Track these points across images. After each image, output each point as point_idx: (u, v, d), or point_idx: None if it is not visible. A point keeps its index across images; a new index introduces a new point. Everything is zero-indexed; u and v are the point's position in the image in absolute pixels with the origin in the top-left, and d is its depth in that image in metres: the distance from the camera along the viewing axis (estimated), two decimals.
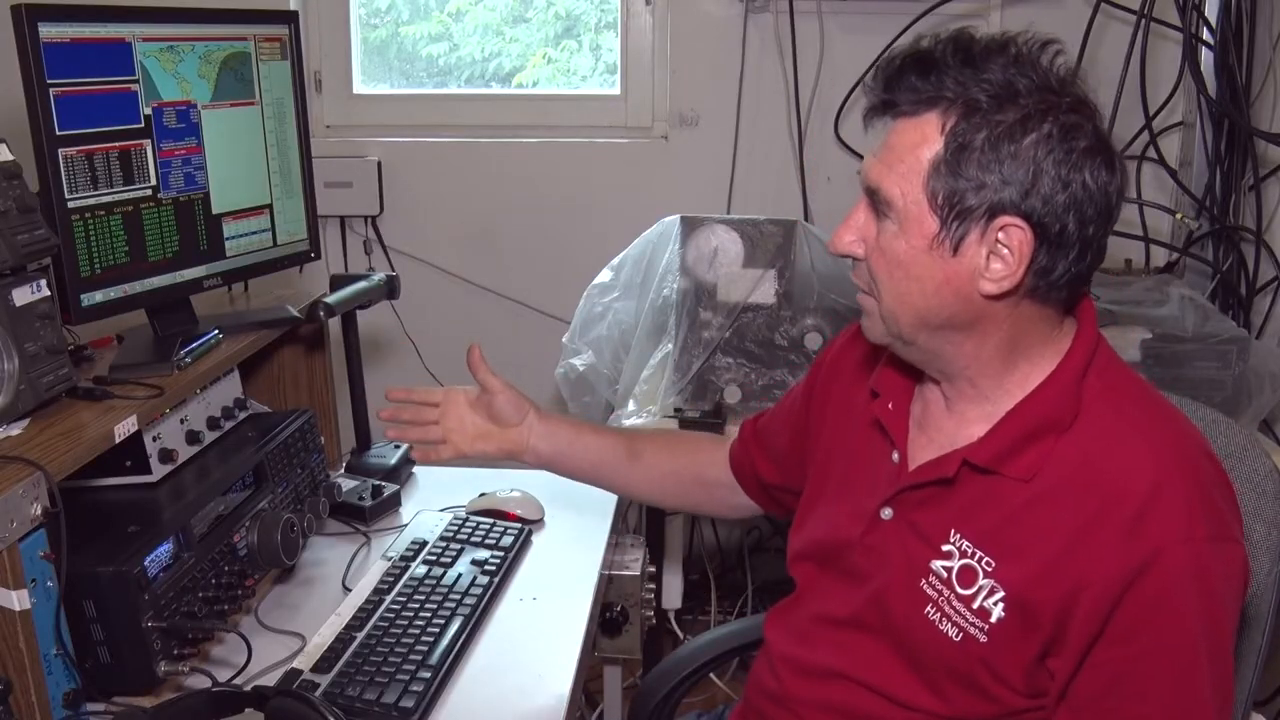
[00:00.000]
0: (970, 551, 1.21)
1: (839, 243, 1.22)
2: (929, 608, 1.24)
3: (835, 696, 1.34)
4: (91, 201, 1.60)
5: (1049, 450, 1.18)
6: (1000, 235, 1.12)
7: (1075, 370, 1.20)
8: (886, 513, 1.30)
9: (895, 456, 1.31)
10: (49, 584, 1.29)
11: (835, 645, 1.35)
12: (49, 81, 1.53)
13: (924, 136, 1.13)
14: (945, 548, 1.23)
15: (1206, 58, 2.63)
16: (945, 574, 1.22)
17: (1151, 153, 2.70)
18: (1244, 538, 1.17)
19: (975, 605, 1.19)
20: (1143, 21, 2.50)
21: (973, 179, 1.11)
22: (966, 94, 1.11)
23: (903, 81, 1.14)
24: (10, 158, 1.40)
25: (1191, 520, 1.10)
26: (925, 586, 1.24)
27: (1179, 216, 2.68)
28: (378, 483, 2.01)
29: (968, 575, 1.21)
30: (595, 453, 1.67)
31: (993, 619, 1.18)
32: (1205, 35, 2.62)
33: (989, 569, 1.19)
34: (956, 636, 1.21)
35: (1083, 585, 1.12)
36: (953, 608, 1.21)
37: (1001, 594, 1.18)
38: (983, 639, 1.19)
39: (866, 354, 1.42)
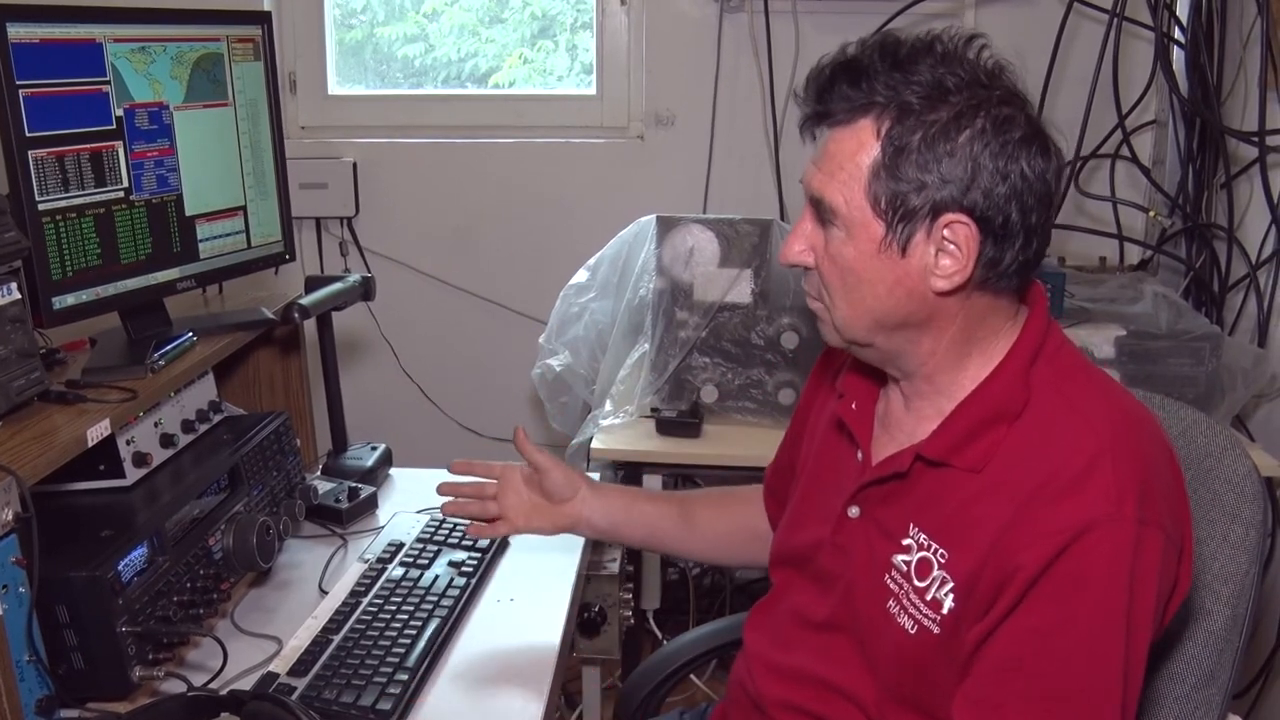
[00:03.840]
0: (927, 544, 1.22)
1: (788, 253, 1.23)
2: (890, 602, 1.24)
3: (807, 700, 1.34)
4: (63, 204, 1.59)
5: (999, 440, 1.18)
6: (946, 232, 1.13)
7: (1023, 359, 1.21)
8: (853, 511, 1.31)
9: (859, 455, 1.33)
10: (21, 590, 1.28)
11: (811, 648, 1.36)
12: (18, 82, 1.52)
13: (861, 143, 1.14)
14: (905, 542, 1.24)
15: (1178, 57, 2.66)
16: (905, 568, 1.23)
17: (1125, 151, 2.72)
18: (1180, 530, 1.17)
19: (929, 597, 1.20)
20: (1115, 21, 2.52)
21: (912, 180, 1.12)
22: (898, 97, 1.13)
23: (834, 91, 1.15)
24: None
25: (1122, 499, 1.10)
26: (888, 581, 1.25)
27: (1152, 214, 2.70)
28: (354, 485, 2.00)
29: (924, 568, 1.22)
30: (651, 521, 1.64)
31: (944, 610, 1.19)
32: (1177, 34, 2.64)
33: (942, 560, 1.20)
34: (912, 629, 1.22)
35: (1015, 557, 1.12)
36: (910, 600, 1.22)
37: (951, 584, 1.18)
38: (936, 630, 1.20)
39: (839, 359, 1.43)
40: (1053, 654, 1.12)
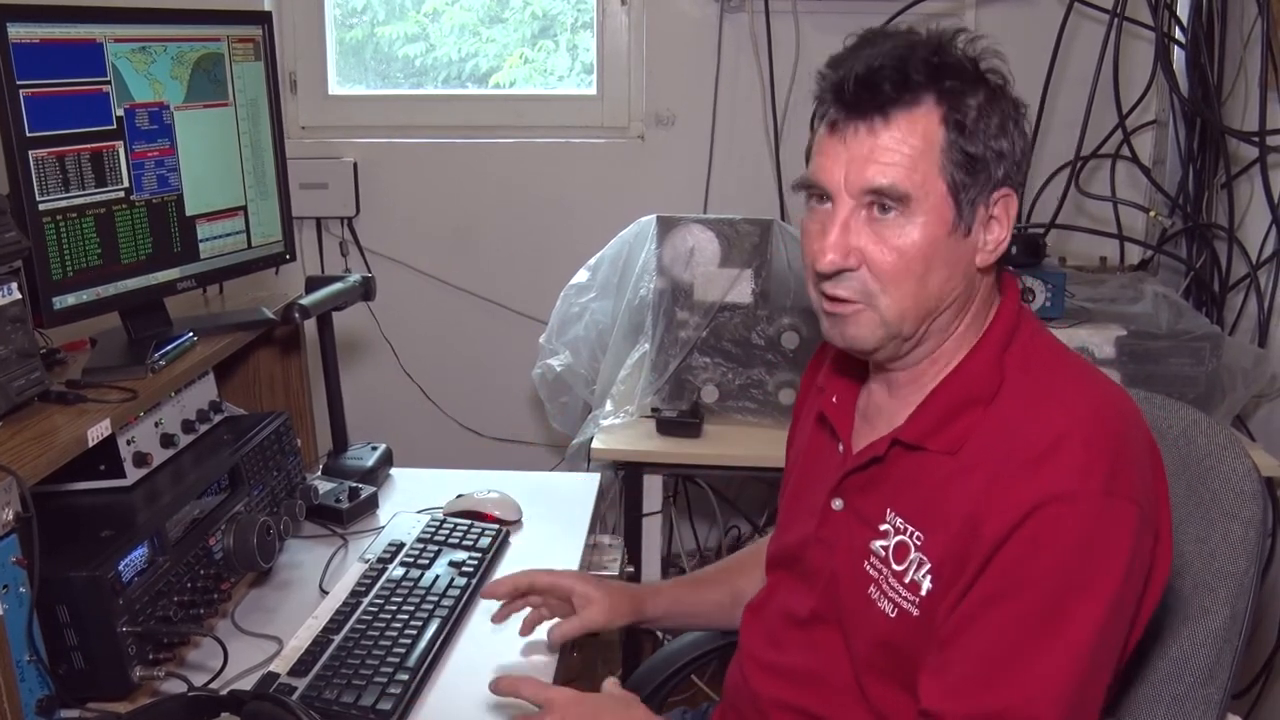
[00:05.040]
0: (903, 527, 1.23)
1: (833, 260, 1.18)
2: (871, 587, 1.26)
3: (800, 697, 1.35)
4: (63, 204, 1.59)
5: (974, 423, 1.20)
6: (996, 208, 1.19)
7: (996, 343, 1.23)
8: (837, 504, 1.32)
9: (840, 448, 1.34)
10: (21, 590, 1.28)
11: (801, 645, 1.36)
12: (19, 82, 1.52)
13: (926, 126, 1.15)
14: (883, 527, 1.25)
15: (1179, 56, 2.66)
16: (883, 553, 1.25)
17: (1125, 151, 2.72)
18: (1156, 510, 1.17)
19: (907, 580, 1.21)
20: (1115, 21, 2.52)
21: (978, 156, 1.16)
22: (943, 82, 1.15)
23: (884, 79, 1.15)
24: None
25: (1088, 472, 1.11)
26: (868, 567, 1.26)
27: (1153, 214, 2.70)
28: (355, 485, 2.00)
29: (901, 551, 1.23)
30: (704, 611, 1.64)
31: (923, 591, 1.20)
32: (1177, 34, 2.64)
33: (919, 543, 1.21)
34: (892, 613, 1.23)
35: (980, 529, 1.14)
36: (889, 585, 1.23)
37: (928, 566, 1.20)
38: (915, 613, 1.21)
39: (825, 360, 1.45)
40: (1005, 620, 1.12)
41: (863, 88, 1.16)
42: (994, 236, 1.20)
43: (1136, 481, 1.14)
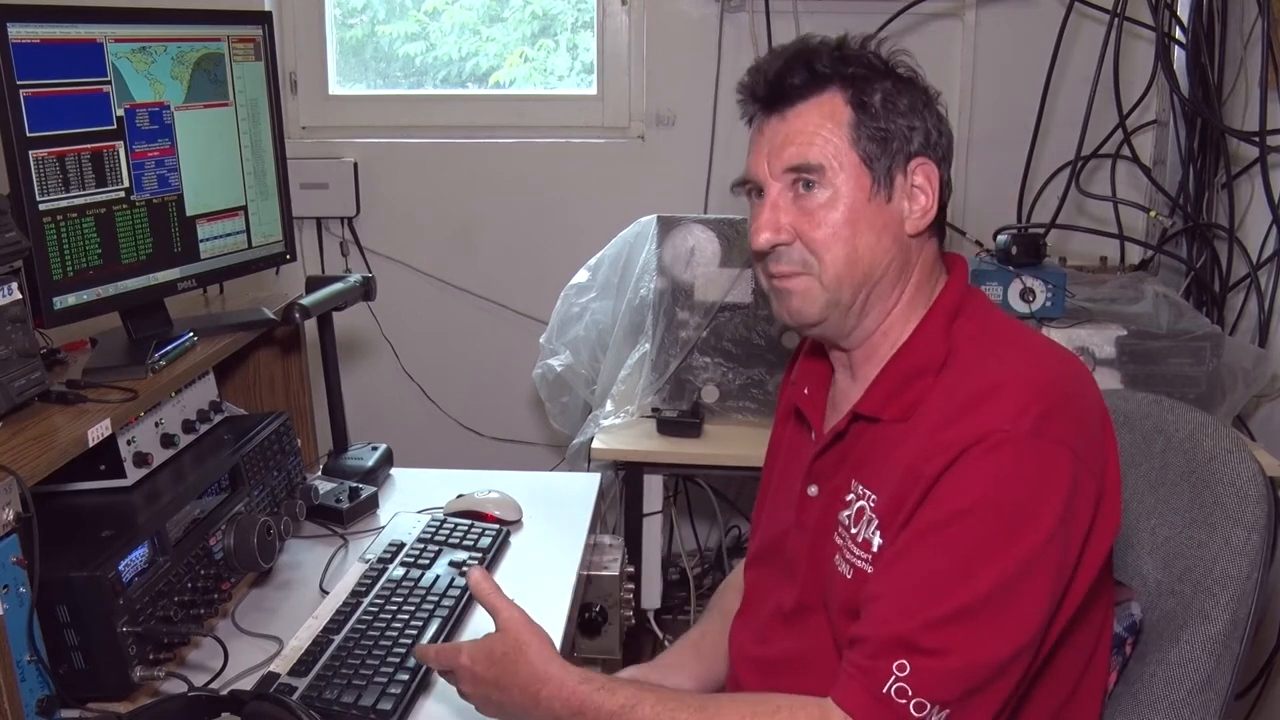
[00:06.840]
0: (863, 493, 1.28)
1: (768, 236, 1.30)
2: (836, 556, 1.29)
3: (787, 686, 1.34)
4: (64, 204, 1.59)
5: (925, 391, 1.26)
6: (916, 177, 1.29)
7: (943, 315, 1.30)
8: (812, 490, 1.37)
9: (814, 436, 1.40)
10: (21, 590, 1.28)
11: (789, 636, 1.38)
12: (19, 82, 1.52)
13: (832, 109, 1.28)
14: (848, 498, 1.30)
15: (1179, 57, 2.66)
16: (847, 521, 1.29)
17: (1125, 151, 2.72)
18: (1100, 464, 1.20)
19: (860, 539, 1.26)
20: (1116, 21, 2.52)
21: (887, 130, 1.28)
22: (847, 70, 1.28)
23: (790, 76, 1.29)
24: None
25: (1018, 416, 1.16)
26: (836, 538, 1.30)
27: (1153, 214, 2.69)
28: (355, 485, 2.00)
29: (860, 514, 1.28)
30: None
31: (874, 548, 1.24)
32: (1178, 34, 2.64)
33: (873, 504, 1.26)
34: (849, 574, 1.26)
35: (920, 472, 1.18)
36: (849, 549, 1.28)
37: (877, 521, 1.24)
38: (870, 570, 1.24)
39: (795, 362, 1.50)
40: (932, 550, 1.16)
41: (774, 84, 1.30)
42: (919, 205, 1.29)
43: (1072, 431, 1.18)
